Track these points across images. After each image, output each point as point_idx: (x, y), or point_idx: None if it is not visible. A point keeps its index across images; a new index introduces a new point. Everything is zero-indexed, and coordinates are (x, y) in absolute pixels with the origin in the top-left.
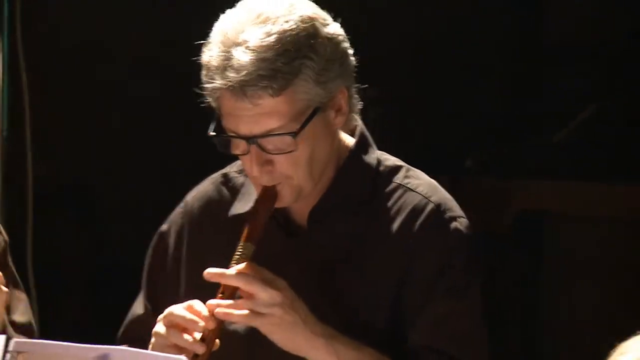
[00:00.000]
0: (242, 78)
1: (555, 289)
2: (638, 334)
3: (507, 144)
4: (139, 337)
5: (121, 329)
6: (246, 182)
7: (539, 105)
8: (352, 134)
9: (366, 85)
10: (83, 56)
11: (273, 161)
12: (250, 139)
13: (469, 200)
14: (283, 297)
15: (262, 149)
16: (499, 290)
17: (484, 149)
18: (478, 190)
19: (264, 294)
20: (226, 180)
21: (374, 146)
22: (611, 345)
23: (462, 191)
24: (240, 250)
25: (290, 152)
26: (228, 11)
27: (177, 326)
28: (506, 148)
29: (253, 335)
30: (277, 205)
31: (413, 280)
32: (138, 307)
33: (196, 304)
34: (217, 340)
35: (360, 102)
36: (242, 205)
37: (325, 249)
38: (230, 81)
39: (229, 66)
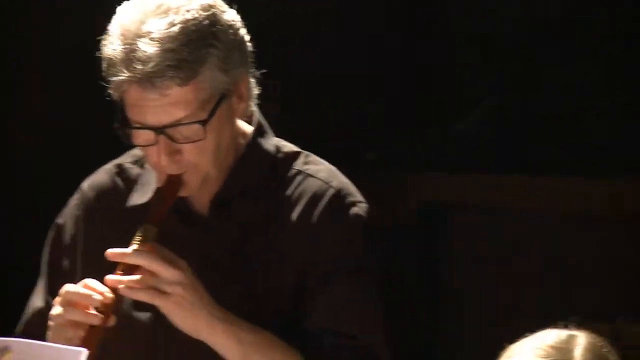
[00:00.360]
0: (149, 69)
1: (455, 280)
2: (527, 335)
3: (406, 136)
4: (41, 330)
5: (20, 324)
6: (143, 173)
7: (438, 98)
8: (248, 122)
9: (264, 71)
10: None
11: (181, 150)
12: (158, 130)
13: (368, 193)
14: (185, 276)
15: (171, 138)
16: (399, 281)
17: (383, 142)
18: (378, 183)
19: (167, 272)
20: (120, 170)
21: (272, 133)
22: (506, 332)
23: (362, 184)
24: (142, 233)
25: (199, 140)
26: (125, 3)
27: (73, 303)
28: (405, 141)
29: (157, 326)
30: (182, 193)
31: (314, 264)
32: (37, 301)
33: (91, 281)
34: (113, 317)
35: (258, 92)
36: (141, 196)
37: (227, 238)
38: (137, 73)
39: (135, 58)
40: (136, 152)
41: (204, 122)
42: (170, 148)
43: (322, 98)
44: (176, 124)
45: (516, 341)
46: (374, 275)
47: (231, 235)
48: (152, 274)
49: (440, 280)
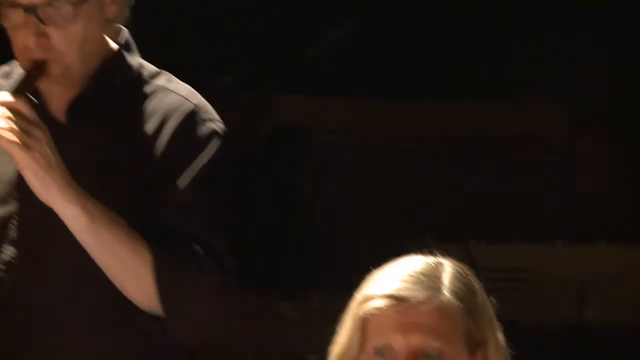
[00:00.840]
0: None
1: (310, 202)
2: (391, 261)
3: (262, 60)
4: None
5: None
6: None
7: (294, 21)
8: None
9: None
10: None
11: (49, 35)
12: (29, 9)
13: (224, 117)
14: (47, 136)
15: (41, 20)
16: (253, 203)
17: (238, 65)
18: (233, 106)
19: (32, 128)
20: None
21: (138, 53)
22: (359, 253)
23: (217, 108)
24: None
25: (67, 26)
26: None
27: None
28: (261, 64)
29: (22, 264)
30: (44, 82)
31: (167, 169)
32: None
33: None
34: None
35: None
36: (6, 86)
37: (82, 145)
38: None
39: None
40: (4, 68)
41: (75, 4)
42: (38, 29)
43: (178, 22)
44: (47, 3)
45: (378, 266)
46: (223, 187)
47: (86, 140)
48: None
49: (295, 201)
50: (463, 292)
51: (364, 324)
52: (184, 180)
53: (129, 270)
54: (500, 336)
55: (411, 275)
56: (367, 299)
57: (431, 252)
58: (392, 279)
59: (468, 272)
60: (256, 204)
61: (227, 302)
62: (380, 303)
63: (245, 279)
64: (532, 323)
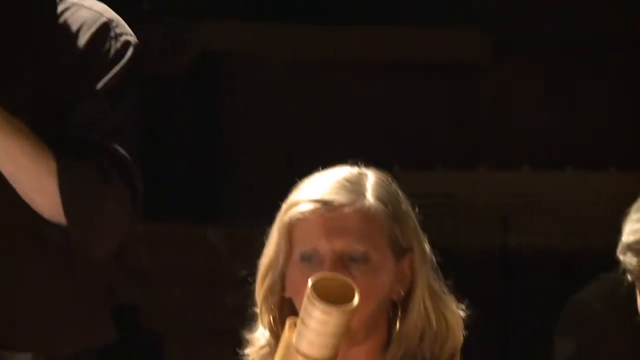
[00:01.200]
0: None
1: (231, 128)
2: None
3: None
4: None
5: None
6: None
7: None
8: None
9: None
10: None
11: None
12: None
13: (145, 43)
14: None
15: None
16: (176, 129)
17: None
18: (156, 31)
19: None
20: None
21: None
22: (286, 177)
23: (138, 35)
24: None
25: None
26: None
27: None
28: None
29: None
30: None
31: (77, 79)
32: None
33: None
34: None
35: None
36: None
37: None
38: None
39: None
40: None
41: None
42: None
43: None
44: None
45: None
46: (134, 101)
47: None
48: None
49: (219, 128)
50: (387, 198)
51: (290, 231)
52: (94, 91)
53: (32, 179)
54: (426, 246)
55: (336, 181)
56: (293, 205)
57: (356, 165)
58: (316, 185)
59: (392, 181)
60: (180, 131)
61: (132, 216)
62: (305, 207)
63: (171, 206)
64: (456, 248)
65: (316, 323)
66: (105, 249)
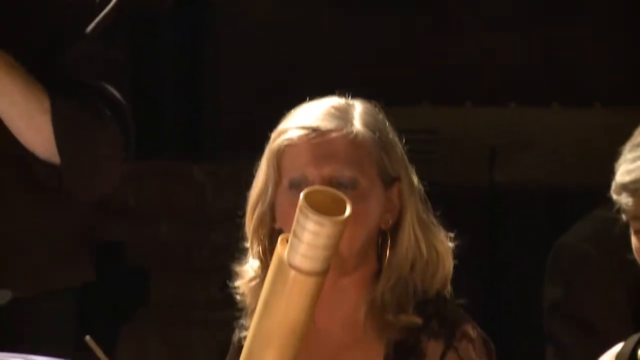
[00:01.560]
0: None
1: (216, 63)
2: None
3: None
4: None
5: None
6: None
7: None
8: None
9: None
10: None
11: None
12: None
13: None
14: None
15: None
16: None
17: None
18: None
19: None
20: None
21: None
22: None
23: None
24: None
25: None
26: None
27: None
28: None
29: None
30: None
31: (68, 20)
32: None
33: None
34: None
35: None
36: None
37: None
38: None
39: None
40: None
41: None
42: None
43: None
44: None
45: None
46: (123, 41)
47: None
48: None
49: (204, 64)
50: (375, 125)
51: (279, 158)
52: (84, 34)
53: (26, 116)
54: (414, 177)
55: (324, 109)
56: (281, 132)
57: (344, 96)
58: (305, 113)
59: (380, 111)
60: (165, 66)
61: (124, 159)
62: (293, 134)
63: (157, 143)
64: (442, 184)
65: (309, 235)
66: (95, 191)
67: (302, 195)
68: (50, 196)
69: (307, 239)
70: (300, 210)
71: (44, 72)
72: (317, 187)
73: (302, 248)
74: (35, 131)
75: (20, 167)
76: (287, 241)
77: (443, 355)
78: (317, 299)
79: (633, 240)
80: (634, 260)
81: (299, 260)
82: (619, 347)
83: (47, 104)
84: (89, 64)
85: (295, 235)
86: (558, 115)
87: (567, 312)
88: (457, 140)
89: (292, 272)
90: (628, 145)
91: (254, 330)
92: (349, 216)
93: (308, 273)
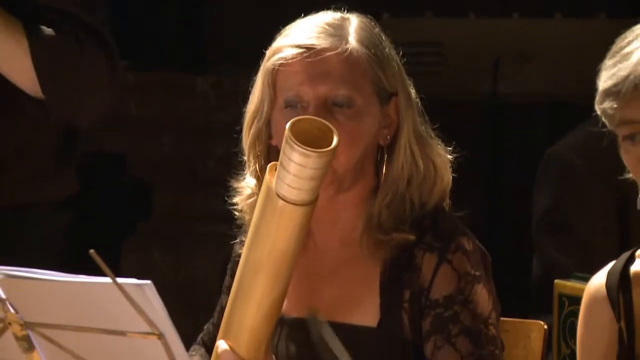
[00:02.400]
0: None
1: None
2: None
3: None
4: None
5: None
6: None
7: None
8: None
9: None
10: None
11: None
12: None
13: None
14: None
15: None
16: None
17: None
18: None
19: None
20: None
21: None
22: None
23: None
24: None
25: None
26: None
27: None
28: None
29: None
30: None
31: None
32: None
33: None
34: None
35: None
36: None
37: None
38: None
39: None
40: None
41: None
42: None
43: None
44: None
45: None
46: None
47: None
48: None
49: None
50: (370, 41)
51: (274, 77)
52: None
53: (6, 59)
54: (412, 90)
55: (318, 26)
56: (275, 51)
57: (339, 11)
58: (299, 30)
59: (375, 25)
60: None
61: (111, 81)
62: (287, 53)
63: (159, 55)
64: (446, 96)
65: (295, 166)
66: (85, 119)
67: (287, 125)
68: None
69: (293, 170)
70: (286, 141)
71: (18, 4)
72: (302, 117)
73: (289, 179)
74: (19, 73)
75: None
76: (275, 170)
77: (437, 267)
78: (306, 227)
79: (622, 150)
80: (623, 180)
81: (286, 190)
82: (610, 265)
83: (25, 45)
84: None
85: (282, 165)
86: (562, 26)
87: (553, 220)
88: (460, 52)
89: (280, 202)
90: (608, 55)
91: (245, 257)
92: (336, 147)
93: (296, 203)
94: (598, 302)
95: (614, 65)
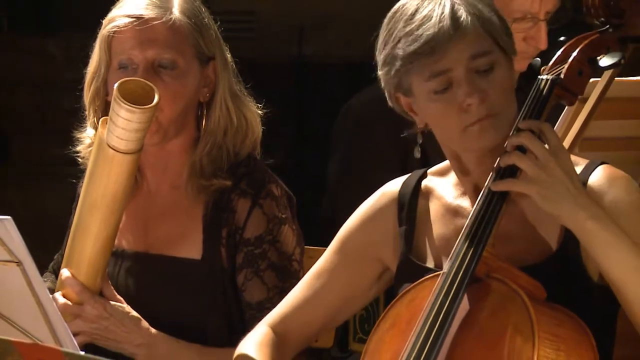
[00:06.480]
0: None
1: None
2: None
3: None
4: None
5: None
6: None
7: None
8: None
9: None
10: None
11: None
12: None
13: None
14: None
15: None
16: None
17: None
18: None
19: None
20: None
21: None
22: None
23: None
24: None
25: None
26: None
27: None
28: None
29: None
30: None
31: None
32: None
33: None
34: None
35: None
36: None
37: None
38: None
39: None
40: None
41: None
42: None
43: None
44: None
45: None
46: None
47: None
48: None
49: None
50: (191, 12)
51: (109, 43)
52: None
53: None
54: (228, 55)
55: (144, 2)
56: (110, 20)
57: None
58: (131, 2)
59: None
60: None
61: None
62: (120, 22)
63: (19, 21)
64: (257, 59)
65: (122, 121)
66: None
67: (115, 86)
68: None
69: (121, 124)
70: (114, 99)
71: None
72: (130, 78)
73: (118, 132)
74: None
75: None
76: (106, 123)
77: (250, 211)
78: (134, 172)
79: (425, 105)
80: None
81: (115, 141)
82: (405, 177)
83: None
84: None
85: (111, 120)
86: None
87: (346, 168)
88: (270, 20)
89: (111, 151)
90: (397, 24)
91: (82, 197)
92: (157, 104)
93: (124, 152)
94: (388, 202)
95: (417, 28)
